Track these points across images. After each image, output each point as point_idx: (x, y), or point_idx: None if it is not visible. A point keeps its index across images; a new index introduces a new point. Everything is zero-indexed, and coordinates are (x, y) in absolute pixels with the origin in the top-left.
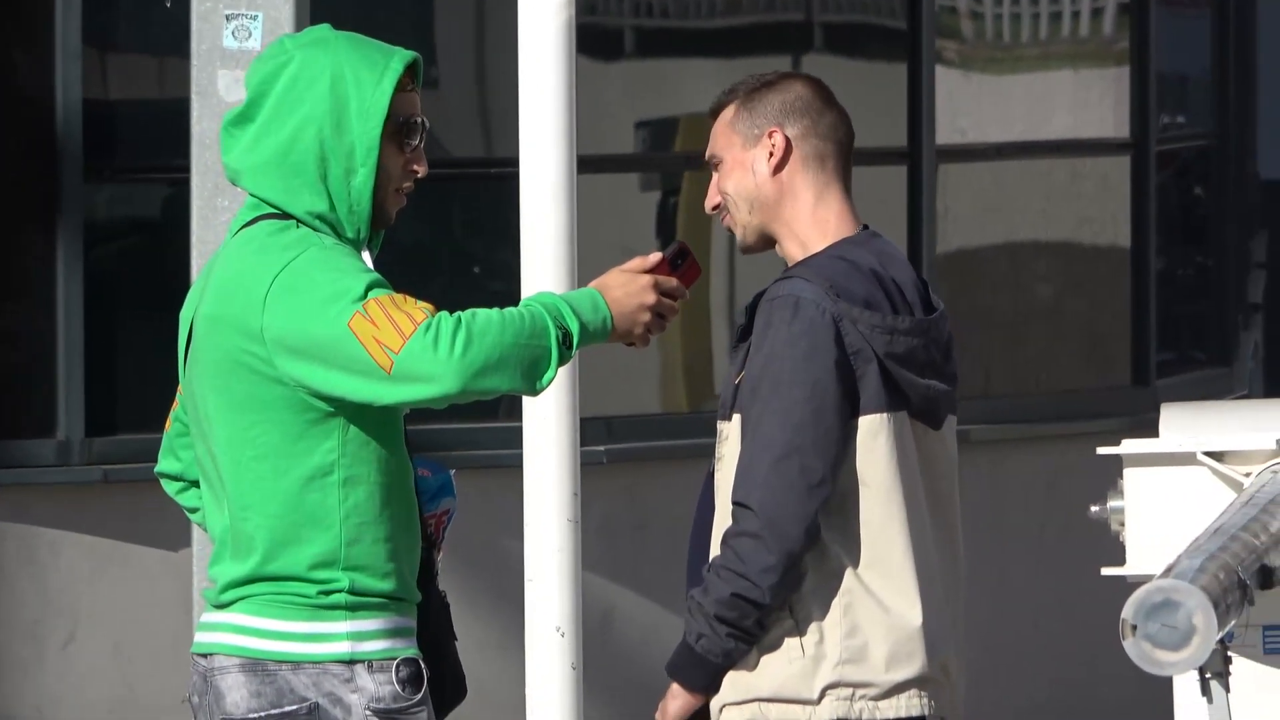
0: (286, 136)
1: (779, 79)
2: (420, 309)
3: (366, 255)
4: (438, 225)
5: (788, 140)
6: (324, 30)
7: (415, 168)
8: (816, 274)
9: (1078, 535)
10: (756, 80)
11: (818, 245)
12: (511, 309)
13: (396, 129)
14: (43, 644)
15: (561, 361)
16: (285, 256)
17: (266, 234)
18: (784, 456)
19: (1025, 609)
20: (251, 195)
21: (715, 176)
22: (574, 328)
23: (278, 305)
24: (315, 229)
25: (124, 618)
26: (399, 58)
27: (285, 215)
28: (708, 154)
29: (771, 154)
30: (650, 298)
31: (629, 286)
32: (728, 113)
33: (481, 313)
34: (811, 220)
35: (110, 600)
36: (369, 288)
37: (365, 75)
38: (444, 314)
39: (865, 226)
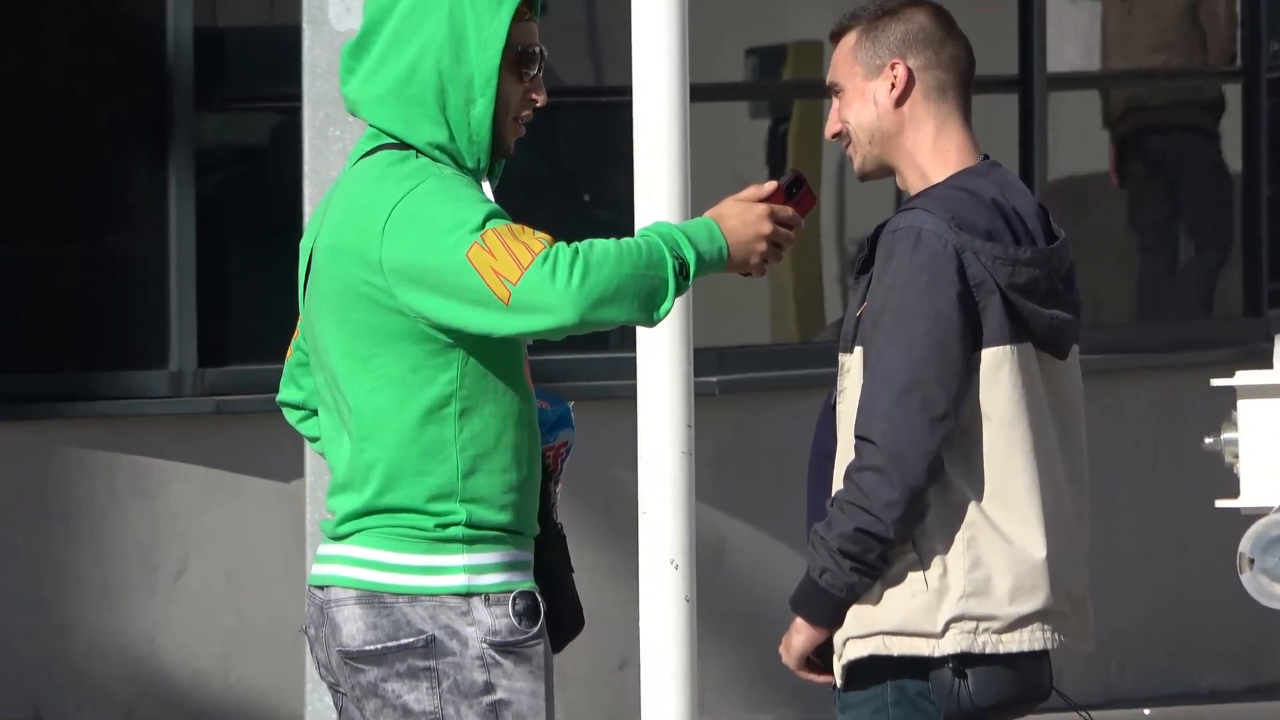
0: (405, 66)
1: (901, 6)
2: (538, 239)
3: (487, 185)
4: (550, 153)
5: (910, 72)
6: None
7: (534, 96)
8: (938, 205)
9: (1192, 466)
10: (879, 7)
11: (938, 176)
12: (628, 239)
13: (515, 58)
14: (155, 573)
15: (679, 291)
16: (404, 186)
17: (386, 164)
18: (907, 390)
19: (1138, 540)
20: (371, 125)
21: (836, 104)
22: (690, 257)
23: (396, 234)
24: (435, 159)
25: (235, 548)
26: None
27: (405, 145)
28: (828, 79)
29: (894, 86)
30: (766, 227)
31: (745, 215)
32: (849, 39)
33: (599, 243)
34: (933, 151)
35: (222, 530)
36: (487, 218)
37: (482, 4)
38: (561, 245)
39: (985, 156)
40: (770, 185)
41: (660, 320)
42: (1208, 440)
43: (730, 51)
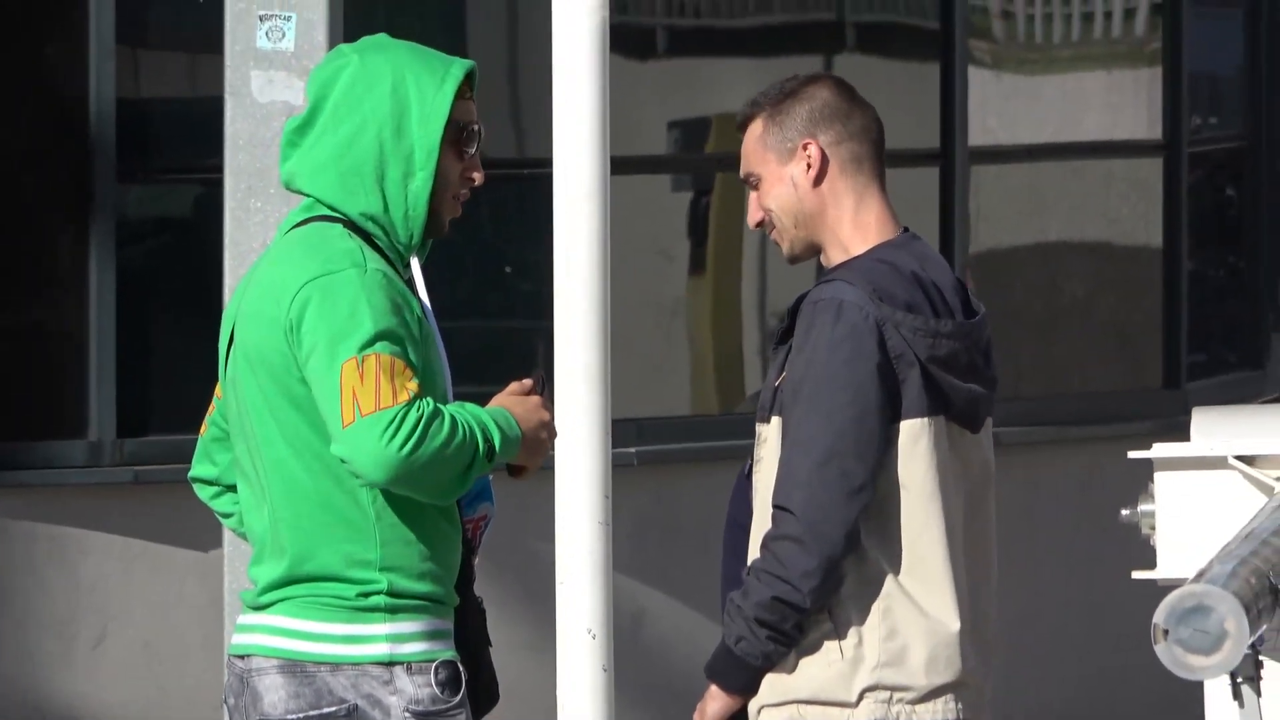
0: (346, 136)
1: (801, 85)
2: (407, 390)
3: (415, 262)
4: (470, 225)
5: (822, 150)
6: (382, 38)
7: (473, 175)
8: (859, 277)
9: (1109, 538)
10: (779, 90)
11: (859, 248)
12: (461, 414)
13: (456, 135)
14: (73, 643)
15: (474, 477)
16: (323, 267)
17: (315, 237)
18: (826, 461)
19: (1056, 611)
20: (307, 196)
21: (754, 194)
22: (497, 442)
23: (301, 310)
24: (368, 231)
25: (155, 618)
26: (459, 65)
27: (338, 217)
28: (742, 172)
29: (810, 166)
30: (545, 415)
31: (526, 404)
32: (755, 127)
33: (446, 419)
34: (853, 225)
35: (141, 600)
36: (380, 338)
37: (426, 80)
38: (419, 406)
39: (905, 229)
40: (528, 382)
41: (447, 502)
42: (1124, 512)
43: (652, 123)
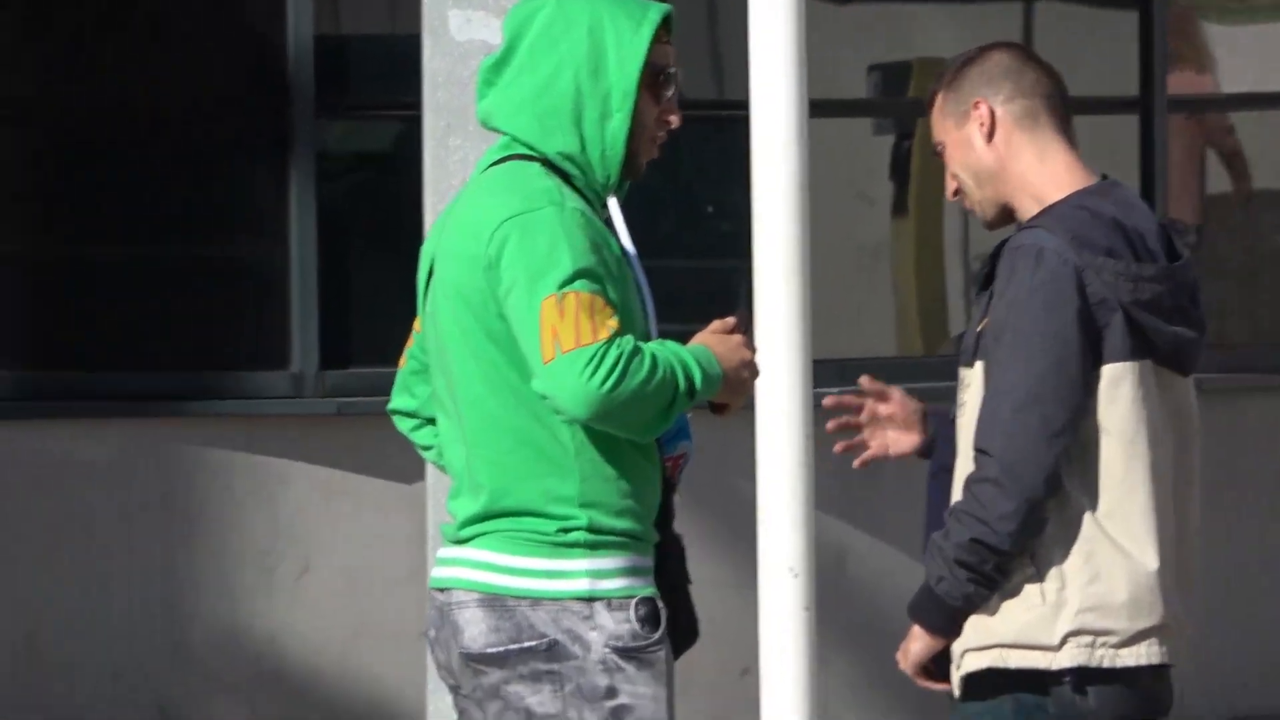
0: (544, 77)
1: (977, 53)
2: (607, 327)
3: (613, 201)
4: (671, 165)
5: (992, 109)
6: None
7: (669, 118)
8: (1058, 224)
9: None
10: (956, 62)
11: (1053, 197)
12: (662, 352)
13: (652, 78)
14: (274, 575)
15: (675, 414)
16: (524, 204)
17: (513, 176)
18: (1025, 405)
19: (1260, 560)
20: (504, 134)
21: (946, 162)
22: (698, 380)
23: (502, 246)
24: (566, 170)
25: (357, 550)
26: (656, 9)
27: (536, 156)
28: (934, 143)
29: (982, 124)
30: (747, 354)
31: (728, 343)
32: (937, 101)
33: (646, 355)
34: (1040, 176)
35: (343, 532)
36: (579, 275)
37: (623, 23)
38: (619, 343)
39: (1104, 176)
40: (731, 320)
41: (646, 441)
42: None
43: (852, 66)
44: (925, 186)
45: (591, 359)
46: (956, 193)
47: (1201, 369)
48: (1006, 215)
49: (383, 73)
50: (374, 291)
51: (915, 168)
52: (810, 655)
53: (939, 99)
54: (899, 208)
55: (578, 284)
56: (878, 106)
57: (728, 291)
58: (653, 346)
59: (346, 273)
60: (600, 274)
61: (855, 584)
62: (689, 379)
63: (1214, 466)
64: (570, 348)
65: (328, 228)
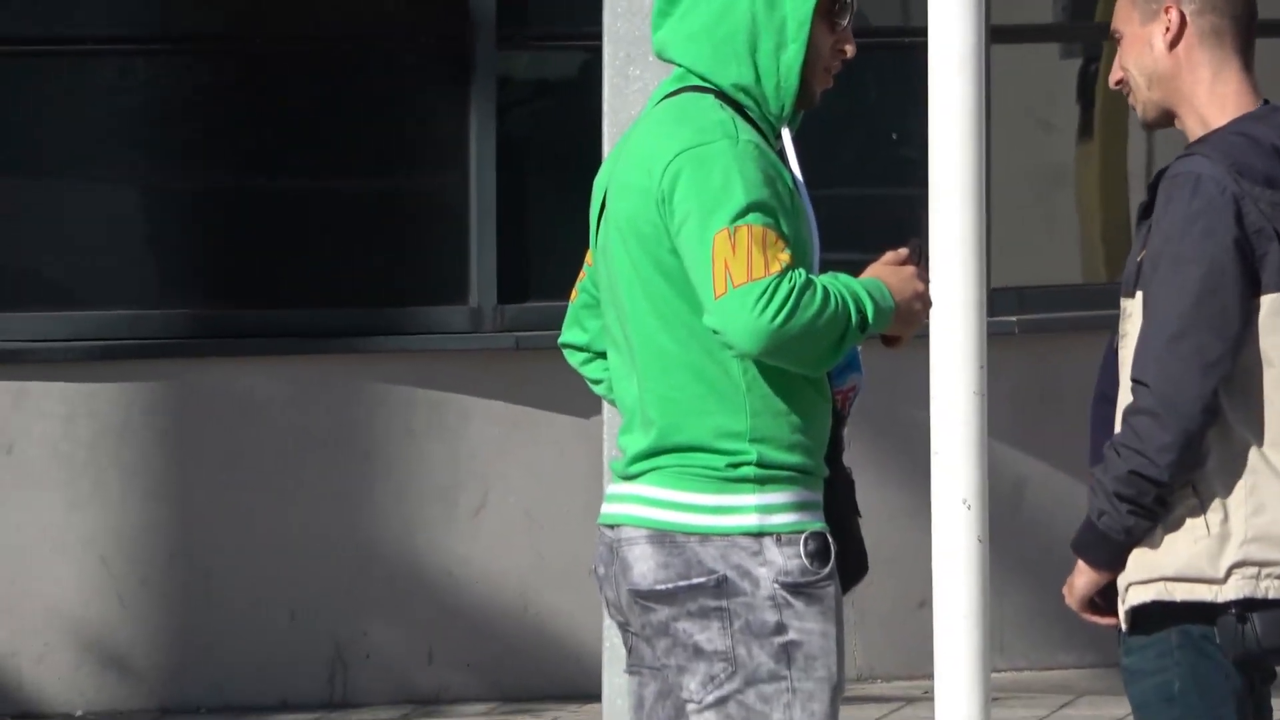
0: (719, 7)
1: None
2: (779, 260)
3: (786, 133)
4: (854, 92)
5: (1183, 16)
6: None
7: (844, 48)
8: (1217, 151)
9: None
10: None
11: (1217, 121)
12: (835, 285)
13: (828, 7)
14: (453, 509)
15: (846, 348)
16: (697, 137)
17: (687, 108)
18: (1180, 334)
19: None
20: (678, 65)
21: (1119, 51)
22: (870, 313)
23: (674, 180)
24: (740, 102)
25: (535, 485)
26: None
27: (710, 88)
28: (1112, 27)
29: (1168, 29)
30: (920, 285)
31: (900, 274)
32: None
33: (817, 287)
34: (1210, 96)
35: (521, 467)
36: (752, 209)
37: None
38: (790, 276)
39: (1266, 101)
40: (903, 251)
41: (818, 374)
42: None
43: None
44: (1109, 112)
45: (764, 293)
46: (1120, 82)
47: None
48: (1167, 119)
49: (564, 2)
50: (553, 225)
51: (1100, 93)
52: (984, 588)
53: None
54: (1084, 133)
55: (750, 217)
56: (1063, 31)
57: (911, 219)
58: (825, 279)
59: (525, 206)
60: (774, 207)
61: (1032, 513)
62: (860, 312)
63: None
64: (742, 282)
65: (507, 160)
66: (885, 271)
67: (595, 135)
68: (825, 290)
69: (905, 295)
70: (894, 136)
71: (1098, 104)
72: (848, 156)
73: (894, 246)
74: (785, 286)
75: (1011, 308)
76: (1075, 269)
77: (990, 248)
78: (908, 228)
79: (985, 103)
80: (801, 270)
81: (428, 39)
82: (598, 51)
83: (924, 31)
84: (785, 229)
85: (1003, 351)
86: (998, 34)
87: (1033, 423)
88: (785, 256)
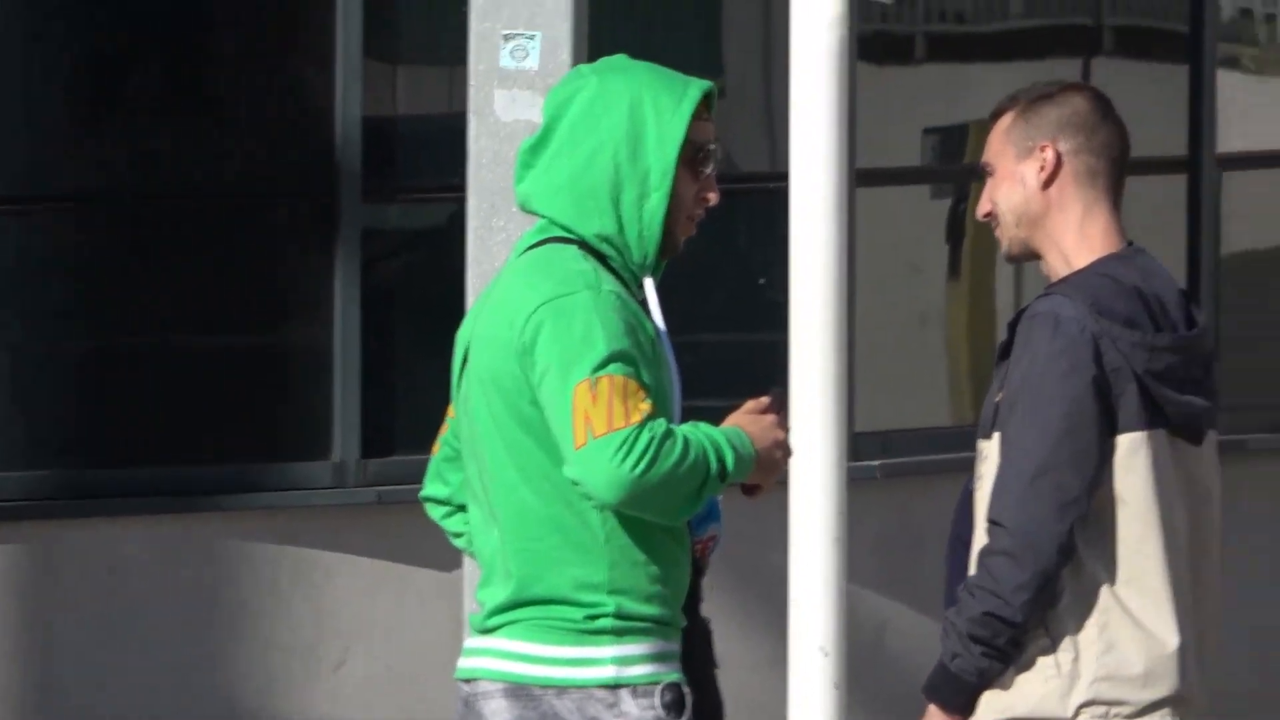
0: (582, 159)
1: (1059, 91)
2: (639, 410)
3: (649, 282)
4: (722, 239)
5: (1059, 155)
6: (621, 59)
7: (708, 195)
8: (1078, 291)
9: None
10: (1038, 90)
11: (1081, 261)
12: (694, 434)
13: (692, 156)
14: (317, 665)
15: (706, 497)
16: (559, 289)
17: (550, 259)
18: (1039, 473)
19: None
20: (542, 217)
21: (989, 184)
22: (730, 462)
23: (537, 331)
24: (603, 252)
25: (397, 640)
26: (696, 86)
27: (573, 239)
28: (982, 159)
29: (1043, 168)
30: (780, 434)
31: (761, 423)
32: (1005, 120)
33: (678, 438)
34: (1077, 236)
35: (384, 623)
36: (611, 359)
37: (664, 101)
38: (651, 427)
39: (1130, 243)
40: (765, 400)
41: (679, 522)
42: None
43: (908, 131)
44: (977, 253)
45: (624, 444)
46: (988, 215)
47: (1249, 429)
48: (1031, 255)
49: (429, 154)
50: (417, 377)
51: (968, 233)
52: None
53: (1008, 120)
54: (951, 274)
55: (611, 367)
56: (930, 173)
57: (771, 366)
58: (685, 428)
59: (390, 359)
60: (635, 356)
61: (895, 657)
62: (720, 461)
63: (1258, 525)
64: (602, 432)
65: (372, 313)
66: (746, 420)
67: (459, 286)
68: (685, 440)
69: (765, 444)
70: (761, 281)
71: (965, 245)
72: (716, 302)
73: (756, 395)
74: (645, 436)
75: (875, 452)
76: (941, 411)
77: (854, 391)
78: (775, 373)
79: (849, 246)
80: (662, 420)
81: (294, 192)
82: (462, 203)
83: (788, 176)
84: (646, 378)
85: (866, 496)
86: (864, 177)
87: (896, 567)
88: (646, 406)
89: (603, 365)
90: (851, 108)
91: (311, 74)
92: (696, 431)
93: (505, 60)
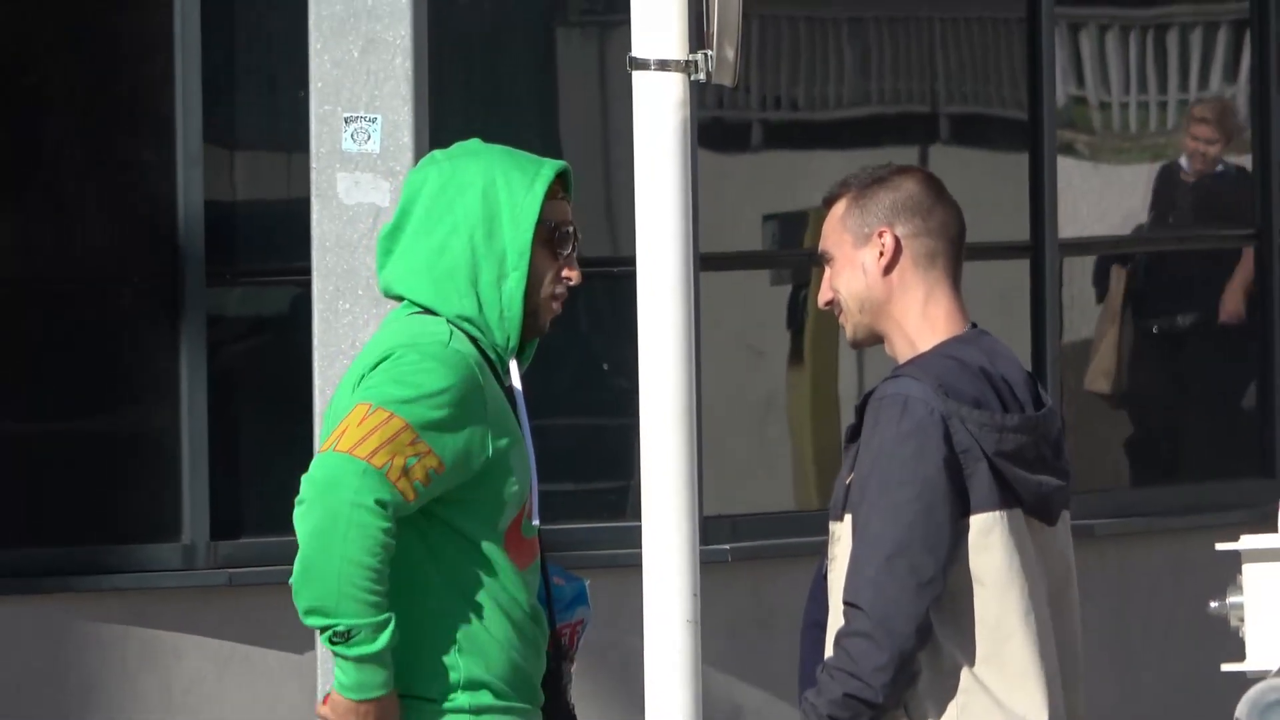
0: (438, 241)
1: (891, 174)
2: (394, 468)
3: (514, 365)
4: (566, 323)
5: (897, 240)
6: (475, 143)
7: (568, 274)
8: (925, 373)
9: (1205, 630)
10: (869, 175)
11: (926, 343)
12: (378, 602)
13: (549, 235)
14: None
15: (317, 608)
16: (411, 338)
17: (411, 322)
18: (894, 555)
19: (1153, 704)
20: (404, 299)
21: (828, 272)
22: (353, 645)
23: (380, 363)
24: (468, 333)
25: None
26: (550, 165)
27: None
28: (820, 248)
29: (882, 254)
30: None
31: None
32: (839, 207)
33: (379, 550)
34: (921, 318)
35: (236, 704)
36: (405, 402)
37: (517, 181)
38: (382, 489)
39: (974, 325)
40: None
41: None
42: (1213, 604)
43: (747, 217)
44: (819, 336)
45: (351, 473)
46: (830, 303)
47: (1093, 514)
48: (875, 340)
49: (273, 238)
50: (266, 459)
51: (810, 317)
52: None
53: (842, 207)
54: (794, 358)
55: (405, 415)
56: (773, 258)
57: (623, 449)
58: (380, 601)
59: (238, 440)
60: (436, 424)
61: None
62: (350, 633)
63: (1105, 610)
64: (344, 450)
65: (218, 395)
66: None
67: (306, 369)
68: (376, 568)
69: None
70: (605, 367)
71: (808, 329)
72: (563, 387)
73: (617, 475)
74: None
75: (725, 536)
76: (788, 495)
77: (703, 476)
78: (624, 457)
79: (695, 330)
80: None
81: (138, 277)
82: (307, 286)
83: (634, 260)
84: (442, 451)
85: (717, 579)
86: (707, 262)
87: (748, 650)
88: (400, 464)
89: (396, 404)
90: (695, 190)
91: (152, 158)
92: (378, 608)
93: (347, 143)
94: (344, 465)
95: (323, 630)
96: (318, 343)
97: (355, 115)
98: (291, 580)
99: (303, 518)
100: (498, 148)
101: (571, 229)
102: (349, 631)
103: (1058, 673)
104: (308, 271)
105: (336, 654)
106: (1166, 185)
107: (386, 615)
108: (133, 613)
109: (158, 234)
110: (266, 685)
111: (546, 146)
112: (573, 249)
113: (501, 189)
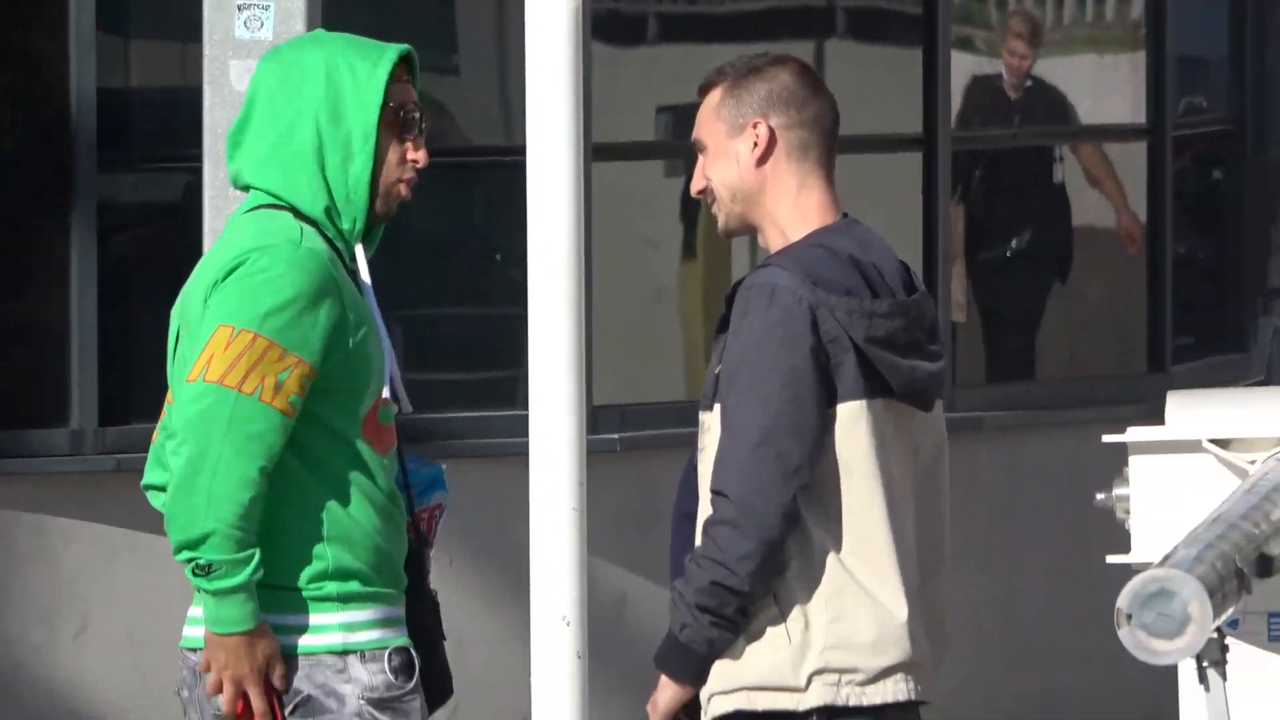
0: (284, 128)
1: (767, 65)
2: (268, 389)
3: (360, 250)
4: (458, 213)
5: (771, 131)
6: (319, 32)
7: (414, 157)
8: (793, 262)
9: (1093, 522)
10: (745, 65)
11: (798, 234)
12: (245, 527)
13: (394, 118)
14: (55, 633)
15: (179, 528)
16: (258, 241)
17: (256, 219)
18: (760, 444)
19: (1041, 596)
20: (253, 189)
21: (701, 160)
22: (213, 576)
23: (227, 275)
24: (315, 219)
25: (136, 607)
26: (393, 49)
27: (285, 207)
28: (693, 136)
29: (755, 144)
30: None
31: (248, 659)
32: (714, 97)
33: (255, 488)
34: (793, 209)
35: (123, 589)
36: (266, 317)
37: (360, 65)
38: (256, 414)
39: (845, 214)
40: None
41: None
42: (1100, 496)
43: (641, 109)
44: (711, 228)
45: (222, 402)
46: (703, 191)
47: (983, 406)
48: (747, 230)
49: (165, 125)
50: (155, 346)
51: (703, 210)
52: (583, 704)
53: (717, 96)
54: (686, 251)
55: (263, 329)
56: (665, 148)
57: (513, 339)
58: (247, 526)
59: (127, 327)
60: (292, 332)
61: (634, 629)
62: (211, 567)
63: (994, 503)
64: (212, 380)
65: (109, 281)
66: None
67: (196, 256)
68: (252, 497)
69: (233, 665)
70: (498, 257)
71: (700, 220)
72: (455, 276)
73: (503, 367)
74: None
75: (614, 425)
76: (679, 386)
77: (592, 365)
78: (513, 347)
79: (586, 220)
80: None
81: (29, 162)
82: (199, 173)
83: (525, 150)
84: (311, 351)
85: (605, 469)
86: (600, 152)
87: (635, 539)
88: (283, 401)
89: (257, 323)
90: (587, 82)
91: (43, 45)
92: (245, 528)
93: (240, 30)
94: (216, 395)
95: (186, 563)
96: (208, 230)
97: (248, 2)
98: (164, 509)
99: (174, 451)
100: (341, 35)
101: (418, 113)
102: (210, 565)
103: (917, 560)
104: (199, 159)
105: (198, 587)
106: (1062, 81)
107: (251, 551)
108: (21, 497)
109: (50, 120)
110: (155, 571)
111: (441, 37)
112: (419, 131)
113: (345, 73)
